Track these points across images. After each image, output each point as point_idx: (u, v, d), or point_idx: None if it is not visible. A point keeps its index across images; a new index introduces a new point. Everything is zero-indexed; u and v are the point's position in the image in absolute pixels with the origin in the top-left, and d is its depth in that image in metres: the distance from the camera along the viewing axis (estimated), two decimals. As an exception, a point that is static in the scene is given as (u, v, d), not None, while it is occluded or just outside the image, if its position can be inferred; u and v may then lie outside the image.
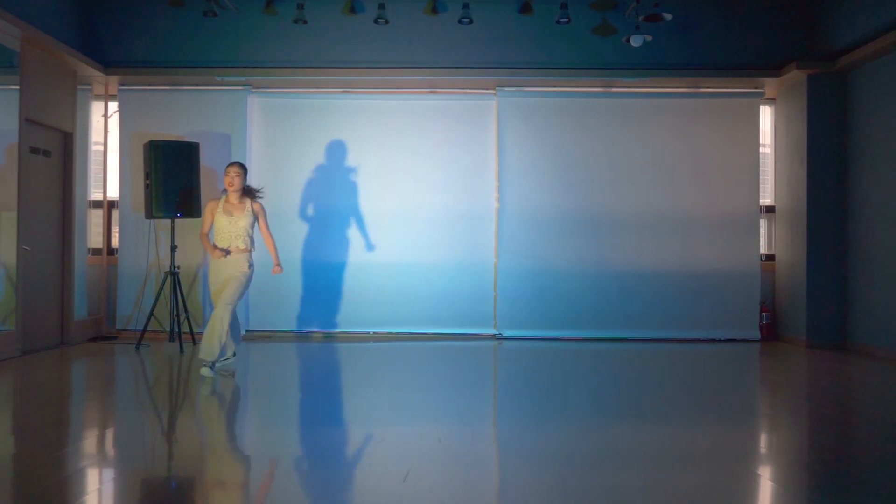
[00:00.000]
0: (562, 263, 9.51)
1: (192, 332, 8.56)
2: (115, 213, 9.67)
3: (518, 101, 9.58)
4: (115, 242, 9.68)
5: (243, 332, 9.40)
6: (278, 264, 6.89)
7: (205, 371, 6.48)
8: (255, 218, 6.82)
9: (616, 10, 8.99)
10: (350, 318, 9.52)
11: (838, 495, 3.58)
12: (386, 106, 9.64)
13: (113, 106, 9.66)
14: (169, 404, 5.84)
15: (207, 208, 6.82)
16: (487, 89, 9.62)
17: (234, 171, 6.76)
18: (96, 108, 9.62)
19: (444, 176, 9.59)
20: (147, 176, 8.37)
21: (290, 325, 9.55)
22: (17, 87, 7.68)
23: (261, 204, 6.88)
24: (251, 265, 6.76)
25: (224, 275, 6.65)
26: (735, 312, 9.46)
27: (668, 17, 8.48)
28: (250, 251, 6.76)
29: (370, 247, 9.55)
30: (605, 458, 4.31)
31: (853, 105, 8.81)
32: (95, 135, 9.57)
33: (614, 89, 9.63)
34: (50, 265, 8.49)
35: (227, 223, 6.71)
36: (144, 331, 8.42)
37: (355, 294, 9.54)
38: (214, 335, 6.42)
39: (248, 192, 6.82)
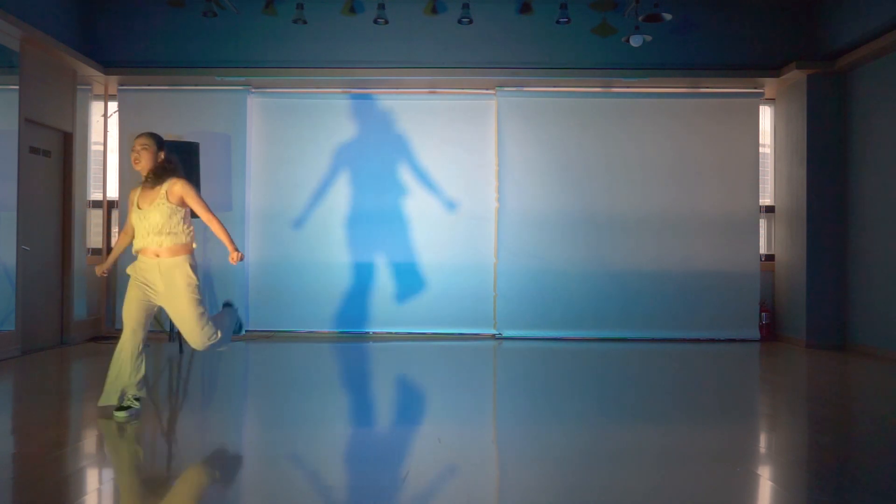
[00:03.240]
0: (561, 263, 9.51)
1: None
2: (115, 213, 9.67)
3: (518, 101, 9.58)
4: (114, 242, 9.66)
5: (241, 333, 9.28)
6: (235, 250, 5.05)
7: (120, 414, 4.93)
8: (175, 206, 4.98)
9: (616, 11, 8.98)
10: (350, 318, 9.52)
11: (838, 495, 3.58)
12: (386, 106, 9.65)
13: (112, 106, 9.67)
14: (168, 404, 5.83)
15: (130, 199, 5.15)
16: (487, 89, 9.63)
17: (139, 143, 5.02)
18: (96, 108, 9.63)
19: (444, 176, 9.60)
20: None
21: (290, 325, 9.55)
22: (17, 87, 7.68)
23: (182, 183, 5.00)
24: (190, 271, 4.97)
25: (148, 288, 4.97)
26: (735, 312, 9.46)
27: (667, 17, 8.48)
28: (186, 250, 5.01)
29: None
30: (605, 458, 4.31)
31: (853, 105, 8.81)
32: (95, 135, 9.57)
33: (614, 89, 9.64)
34: (49, 265, 8.49)
35: (137, 219, 4.99)
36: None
37: (355, 294, 9.53)
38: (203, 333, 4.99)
39: (164, 172, 5.03)
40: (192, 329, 4.95)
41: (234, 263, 5.12)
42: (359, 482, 3.77)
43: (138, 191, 5.07)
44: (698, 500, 3.58)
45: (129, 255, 5.13)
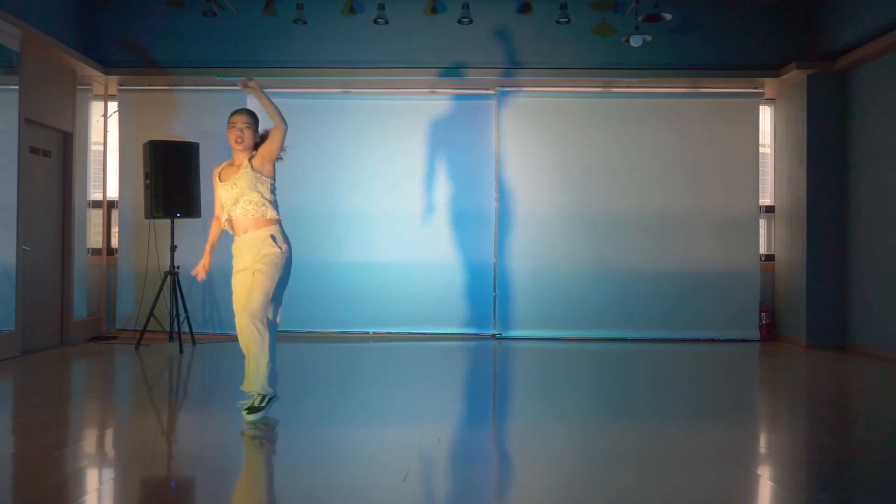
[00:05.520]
0: (561, 263, 9.51)
1: (191, 332, 8.56)
2: (115, 213, 9.67)
3: (518, 101, 9.58)
4: (114, 242, 9.68)
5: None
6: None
7: (247, 415, 4.81)
8: (260, 174, 4.89)
9: (616, 11, 9.00)
10: (350, 318, 9.52)
11: (838, 495, 3.58)
12: (385, 106, 9.65)
13: (112, 106, 9.67)
14: (168, 404, 5.83)
15: (214, 184, 5.05)
16: (487, 89, 9.63)
17: (241, 121, 4.92)
18: (96, 108, 9.63)
19: (443, 176, 9.60)
20: (146, 176, 8.36)
21: (290, 325, 9.51)
22: (17, 87, 7.68)
23: (262, 145, 5.01)
24: (280, 244, 4.89)
25: (245, 264, 4.90)
26: (734, 312, 9.47)
27: (667, 17, 8.49)
28: (272, 222, 4.91)
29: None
30: (604, 457, 4.31)
31: (853, 105, 8.81)
32: (95, 135, 9.58)
33: (614, 89, 9.64)
34: (50, 265, 8.49)
35: (225, 193, 4.90)
36: (144, 331, 8.41)
37: (355, 294, 9.53)
38: (251, 360, 4.81)
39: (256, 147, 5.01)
40: (252, 300, 4.76)
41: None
42: (358, 482, 3.77)
43: (221, 167, 5.03)
44: (698, 500, 3.58)
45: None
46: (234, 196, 4.87)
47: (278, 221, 4.97)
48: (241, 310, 4.84)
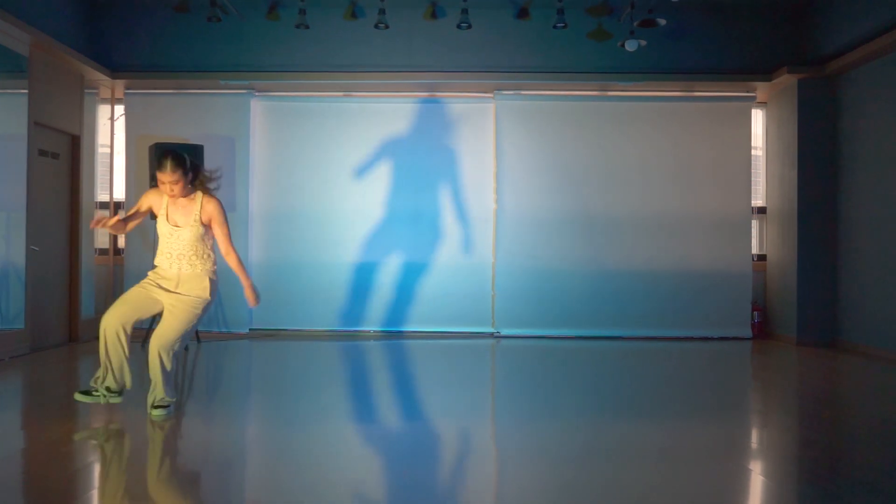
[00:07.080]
0: (558, 263, 9.64)
1: (196, 331, 8.69)
2: (122, 214, 9.78)
3: (516, 105, 9.72)
4: (121, 243, 9.81)
5: (245, 331, 9.55)
6: (252, 290, 4.95)
7: (154, 412, 4.92)
8: (206, 227, 4.85)
9: (611, 16, 9.11)
10: (350, 317, 9.67)
11: (829, 489, 3.65)
12: (386, 109, 9.79)
13: (119, 109, 9.81)
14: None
15: (145, 197, 4.92)
16: (486, 93, 9.76)
17: (168, 179, 4.70)
18: (103, 111, 9.77)
19: (443, 178, 9.73)
20: (152, 177, 8.51)
21: (292, 323, 9.67)
22: (26, 90, 7.82)
23: (215, 202, 4.86)
24: (213, 293, 4.86)
25: (167, 291, 4.83)
26: (727, 311, 9.60)
27: (662, 22, 8.61)
28: (208, 272, 4.87)
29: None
30: (602, 455, 4.35)
31: (842, 108, 8.93)
32: (102, 137, 9.71)
33: (610, 93, 9.77)
34: (58, 265, 8.65)
35: (167, 234, 4.81)
36: (150, 329, 8.54)
37: (355, 293, 9.67)
38: (154, 379, 4.89)
39: (201, 187, 4.89)
40: (166, 334, 4.80)
41: (253, 306, 5.02)
42: (357, 480, 3.84)
43: (164, 202, 4.86)
44: (693, 497, 3.63)
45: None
46: (176, 246, 4.81)
47: (215, 271, 4.94)
48: (121, 317, 4.82)
